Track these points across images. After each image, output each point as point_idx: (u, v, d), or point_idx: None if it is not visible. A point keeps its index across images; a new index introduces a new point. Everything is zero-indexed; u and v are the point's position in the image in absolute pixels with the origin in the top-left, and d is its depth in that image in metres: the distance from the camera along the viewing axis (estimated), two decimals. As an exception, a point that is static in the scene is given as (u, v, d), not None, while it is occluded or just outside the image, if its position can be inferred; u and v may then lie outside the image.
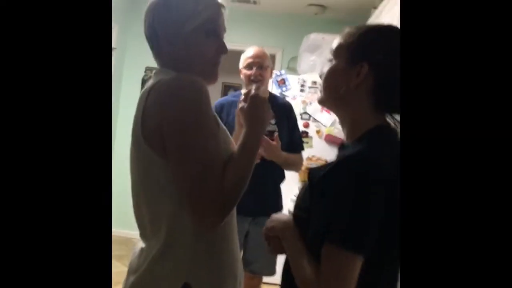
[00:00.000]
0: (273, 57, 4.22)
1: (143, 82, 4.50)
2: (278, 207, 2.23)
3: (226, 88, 6.39)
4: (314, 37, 4.02)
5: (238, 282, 1.06)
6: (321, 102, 0.98)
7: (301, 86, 3.71)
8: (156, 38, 1.03)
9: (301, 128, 3.08)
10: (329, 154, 3.63)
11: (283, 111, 2.19)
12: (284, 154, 2.00)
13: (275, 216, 1.00)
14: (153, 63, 1.08)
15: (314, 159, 3.55)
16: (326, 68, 0.97)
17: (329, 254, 0.79)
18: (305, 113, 3.68)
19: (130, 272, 1.02)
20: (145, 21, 1.05)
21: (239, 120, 1.18)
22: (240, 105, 1.12)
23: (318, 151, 3.63)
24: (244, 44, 4.30)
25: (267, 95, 2.20)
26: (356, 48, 0.91)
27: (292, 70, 4.37)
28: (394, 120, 0.93)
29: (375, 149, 0.85)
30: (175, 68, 1.02)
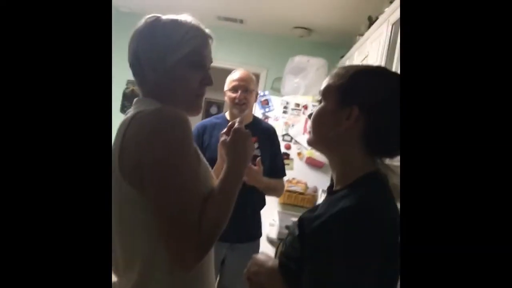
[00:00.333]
0: (257, 76, 4.23)
1: (124, 95, 4.44)
2: (257, 234, 2.19)
3: (209, 104, 6.36)
4: (299, 59, 4.04)
5: None
6: (310, 143, 0.96)
7: (284, 107, 3.70)
8: (140, 66, 1.00)
9: (282, 149, 3.06)
10: (310, 177, 3.61)
11: (266, 135, 2.16)
12: (265, 179, 1.96)
13: (259, 259, 0.96)
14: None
15: (294, 181, 3.52)
16: (314, 109, 0.95)
17: None
18: (287, 134, 3.67)
19: None
20: (129, 47, 1.02)
21: (221, 152, 1.16)
22: (222, 138, 1.09)
23: (299, 173, 3.60)
24: (229, 62, 4.33)
25: (251, 119, 2.17)
26: (346, 90, 0.89)
27: (276, 90, 4.37)
28: (384, 165, 0.90)
29: (371, 201, 0.82)
30: (157, 98, 0.99)
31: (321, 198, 3.48)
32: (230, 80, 2.13)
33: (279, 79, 4.40)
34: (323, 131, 0.91)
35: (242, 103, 2.07)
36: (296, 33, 4.29)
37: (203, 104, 1.08)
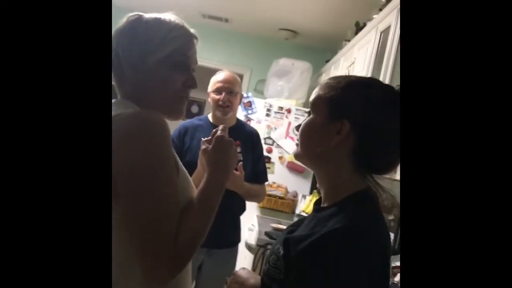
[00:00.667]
0: (240, 77, 4.18)
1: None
2: (236, 240, 2.15)
3: (190, 103, 6.27)
4: (283, 62, 4.00)
5: None
6: (297, 157, 0.91)
7: (267, 110, 3.66)
8: (119, 66, 0.94)
9: (264, 153, 3.03)
10: (291, 181, 3.58)
11: (249, 139, 2.11)
12: (247, 185, 1.91)
13: (241, 276, 0.91)
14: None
15: (274, 186, 3.48)
16: (303, 121, 0.90)
17: None
18: (269, 138, 3.63)
19: None
20: None
21: (202, 160, 1.10)
22: (203, 146, 1.03)
23: (279, 177, 3.57)
24: (212, 62, 4.27)
25: (234, 122, 2.11)
26: (337, 103, 0.84)
27: (259, 93, 4.32)
28: (374, 182, 0.87)
29: (361, 223, 0.78)
30: (136, 100, 0.93)
31: (301, 203, 3.45)
32: (215, 81, 2.06)
33: (262, 81, 4.36)
34: (312, 145, 0.87)
35: (226, 105, 2.01)
36: (282, 35, 4.25)
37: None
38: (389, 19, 2.14)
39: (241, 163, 1.84)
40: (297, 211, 3.45)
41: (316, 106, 0.88)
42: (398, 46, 1.97)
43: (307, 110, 1.20)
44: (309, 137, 0.88)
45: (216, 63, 4.05)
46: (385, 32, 2.21)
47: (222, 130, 1.00)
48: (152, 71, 0.93)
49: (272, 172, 3.52)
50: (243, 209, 2.16)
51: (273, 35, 4.35)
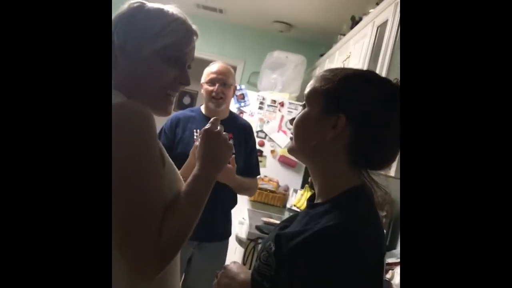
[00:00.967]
0: (234, 68, 4.14)
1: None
2: (227, 233, 2.13)
3: (182, 94, 6.21)
4: (277, 55, 3.97)
5: None
6: (291, 151, 0.89)
7: (260, 103, 3.63)
8: (112, 53, 0.90)
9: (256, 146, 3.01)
10: (282, 175, 3.56)
11: (242, 133, 2.08)
12: (239, 178, 1.89)
13: (231, 270, 0.89)
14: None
15: (266, 179, 3.46)
16: (297, 114, 0.87)
17: None
18: (262, 131, 3.60)
19: None
20: None
21: (194, 153, 1.07)
22: (197, 143, 1.00)
23: (271, 171, 3.55)
24: (205, 53, 4.21)
25: (227, 114, 2.08)
26: (333, 96, 0.82)
27: (253, 85, 4.29)
28: (369, 178, 0.85)
29: (356, 221, 0.76)
30: (124, 91, 0.90)
31: (292, 197, 3.44)
32: (208, 73, 2.03)
33: (256, 73, 4.32)
34: (306, 139, 0.84)
35: (219, 97, 1.98)
36: (276, 28, 4.20)
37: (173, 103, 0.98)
38: (386, 13, 2.11)
39: (233, 156, 1.82)
40: (288, 205, 3.44)
41: (312, 99, 0.85)
42: (395, 41, 1.95)
43: (301, 103, 1.18)
44: (303, 131, 0.85)
45: (210, 54, 3.99)
46: (382, 27, 2.18)
47: (213, 122, 0.97)
48: (145, 62, 0.91)
49: (264, 166, 3.50)
50: (234, 202, 2.14)
51: (267, 27, 4.31)
